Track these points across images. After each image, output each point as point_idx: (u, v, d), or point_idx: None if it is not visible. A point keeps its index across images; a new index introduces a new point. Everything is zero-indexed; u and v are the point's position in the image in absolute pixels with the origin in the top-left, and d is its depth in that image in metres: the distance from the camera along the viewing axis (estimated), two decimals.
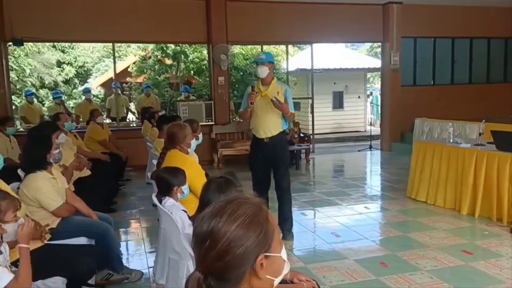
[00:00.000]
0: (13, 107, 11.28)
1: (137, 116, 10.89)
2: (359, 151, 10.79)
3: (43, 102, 14.11)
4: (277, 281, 1.15)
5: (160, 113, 7.43)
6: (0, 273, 1.97)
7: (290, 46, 16.20)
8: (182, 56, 12.63)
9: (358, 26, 9.88)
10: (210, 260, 1.06)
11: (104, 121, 8.24)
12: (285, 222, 4.50)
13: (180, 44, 12.16)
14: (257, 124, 4.43)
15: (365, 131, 15.62)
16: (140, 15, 8.47)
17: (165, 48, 12.60)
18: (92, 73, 16.30)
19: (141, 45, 12.82)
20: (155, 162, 3.99)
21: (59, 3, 8.06)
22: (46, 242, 2.85)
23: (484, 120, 5.67)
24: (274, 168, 4.51)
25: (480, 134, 5.44)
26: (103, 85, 14.93)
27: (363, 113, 16.40)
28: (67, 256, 2.61)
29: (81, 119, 9.21)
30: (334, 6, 9.66)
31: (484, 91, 10.90)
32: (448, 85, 11.01)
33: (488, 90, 10.95)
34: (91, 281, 3.03)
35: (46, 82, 14.85)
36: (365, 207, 5.64)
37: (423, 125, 8.45)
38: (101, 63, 16.07)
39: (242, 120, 5.38)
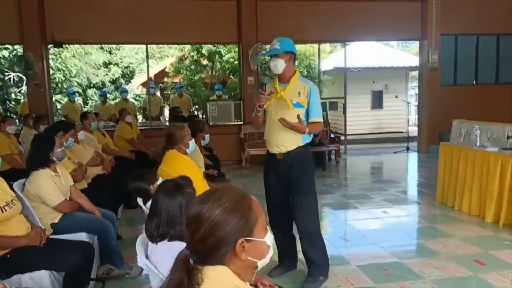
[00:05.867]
0: (58, 105, 11.97)
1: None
2: (394, 153, 10.45)
3: (87, 102, 14.82)
4: (260, 263, 1.28)
5: (181, 113, 7.53)
6: None
7: (327, 45, 15.98)
8: (217, 56, 12.78)
9: (394, 24, 9.57)
10: (195, 242, 1.21)
11: (138, 120, 8.52)
12: (312, 266, 3.39)
13: (215, 44, 12.31)
14: (269, 135, 3.34)
15: (406, 132, 15.10)
16: (172, 16, 8.64)
17: (200, 49, 12.80)
18: (136, 73, 16.88)
19: (178, 46, 13.11)
20: None
21: (96, 7, 8.38)
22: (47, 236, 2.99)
23: None
24: (290, 197, 3.35)
25: (508, 137, 5.10)
26: (143, 85, 15.42)
27: (405, 113, 15.85)
28: (55, 251, 2.72)
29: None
30: (368, 3, 9.42)
31: None
32: (492, 85, 10.41)
33: None
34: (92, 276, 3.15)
35: (94, 82, 15.55)
36: (384, 211, 5.44)
37: (461, 127, 8.03)
38: (144, 64, 16.58)
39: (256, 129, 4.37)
